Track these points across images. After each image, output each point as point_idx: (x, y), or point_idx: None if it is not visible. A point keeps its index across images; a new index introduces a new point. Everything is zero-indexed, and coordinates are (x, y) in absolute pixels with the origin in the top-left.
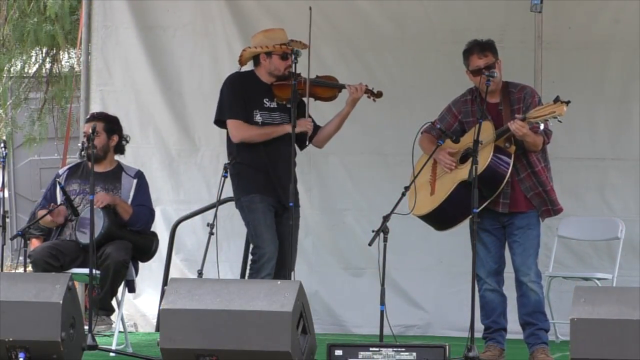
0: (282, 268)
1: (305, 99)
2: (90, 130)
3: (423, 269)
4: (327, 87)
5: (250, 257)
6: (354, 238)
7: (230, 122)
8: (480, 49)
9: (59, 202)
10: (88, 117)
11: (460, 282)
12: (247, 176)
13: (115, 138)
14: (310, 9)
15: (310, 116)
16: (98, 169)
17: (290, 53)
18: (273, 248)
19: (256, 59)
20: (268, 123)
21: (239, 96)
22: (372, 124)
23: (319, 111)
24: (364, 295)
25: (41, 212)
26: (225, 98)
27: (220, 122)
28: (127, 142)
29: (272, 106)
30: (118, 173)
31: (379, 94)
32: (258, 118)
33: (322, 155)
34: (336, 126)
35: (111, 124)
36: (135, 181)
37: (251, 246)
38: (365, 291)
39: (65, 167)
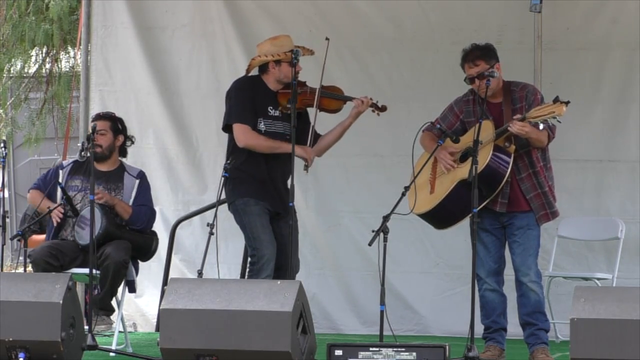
0: (285, 271)
1: (310, 109)
2: (91, 130)
3: (419, 272)
4: (334, 99)
5: (249, 259)
6: (350, 240)
7: (237, 126)
8: (472, 58)
9: (58, 200)
10: (94, 116)
11: (456, 284)
12: (243, 181)
13: (121, 138)
14: (327, 39)
15: (312, 125)
16: (101, 168)
17: (297, 59)
18: (272, 249)
19: (263, 66)
20: (271, 132)
21: (248, 101)
22: (369, 125)
23: (319, 120)
24: (361, 298)
25: (33, 193)
26: (234, 102)
27: (228, 127)
28: (133, 142)
29: (275, 114)
30: (120, 173)
31: (383, 108)
32: (262, 126)
33: (319, 157)
34: (336, 137)
35: (117, 124)
36: (137, 181)
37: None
38: (362, 294)
39: (70, 160)
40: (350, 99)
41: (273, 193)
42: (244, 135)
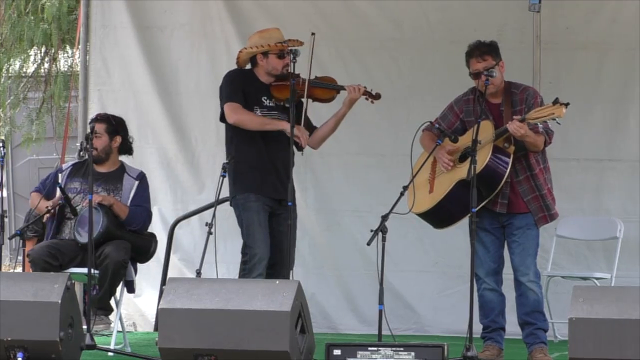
0: (282, 268)
1: (303, 100)
2: (89, 131)
3: (418, 272)
4: (325, 89)
5: (241, 257)
6: (350, 239)
7: (227, 105)
8: (480, 52)
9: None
10: (92, 118)
11: (455, 284)
12: (244, 174)
13: (118, 139)
14: (313, 34)
15: (307, 117)
16: (101, 169)
17: (287, 51)
18: (265, 249)
19: (253, 60)
20: None
21: (238, 87)
22: (368, 124)
23: (315, 112)
24: (360, 298)
25: (34, 195)
26: (224, 88)
27: (223, 117)
28: (131, 142)
29: (270, 105)
30: (120, 174)
31: (377, 96)
32: (258, 114)
33: (318, 156)
34: (332, 127)
35: (113, 126)
36: (136, 182)
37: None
38: (361, 293)
39: (70, 163)
40: (343, 87)
41: (275, 180)
42: (234, 111)
